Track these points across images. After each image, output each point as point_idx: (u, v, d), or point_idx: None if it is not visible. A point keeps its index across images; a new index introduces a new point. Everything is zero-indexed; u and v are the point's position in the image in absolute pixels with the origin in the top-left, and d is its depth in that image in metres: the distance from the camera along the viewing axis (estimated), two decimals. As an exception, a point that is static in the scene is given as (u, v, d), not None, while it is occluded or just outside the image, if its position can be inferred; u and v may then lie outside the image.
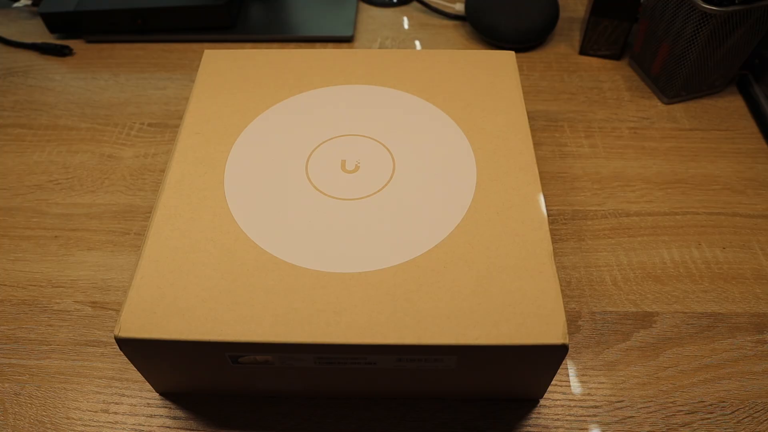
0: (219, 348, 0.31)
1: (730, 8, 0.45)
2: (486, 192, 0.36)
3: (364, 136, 0.39)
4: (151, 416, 0.37)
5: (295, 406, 0.37)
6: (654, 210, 0.46)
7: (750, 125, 0.52)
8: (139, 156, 0.50)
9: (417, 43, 0.60)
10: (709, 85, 0.53)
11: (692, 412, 0.36)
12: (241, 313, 0.31)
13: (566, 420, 0.36)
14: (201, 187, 0.36)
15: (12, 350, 0.39)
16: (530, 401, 0.37)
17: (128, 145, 0.51)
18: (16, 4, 0.65)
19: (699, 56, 0.49)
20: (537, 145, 0.51)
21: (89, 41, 0.61)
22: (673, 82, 0.52)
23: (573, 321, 0.40)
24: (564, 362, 0.38)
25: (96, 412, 0.37)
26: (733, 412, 0.36)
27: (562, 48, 0.59)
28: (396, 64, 0.44)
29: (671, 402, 0.37)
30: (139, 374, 0.38)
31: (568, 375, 0.38)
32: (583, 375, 0.38)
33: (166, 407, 0.37)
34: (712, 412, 0.36)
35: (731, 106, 0.54)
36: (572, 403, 0.37)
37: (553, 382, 0.37)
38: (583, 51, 0.58)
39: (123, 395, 0.37)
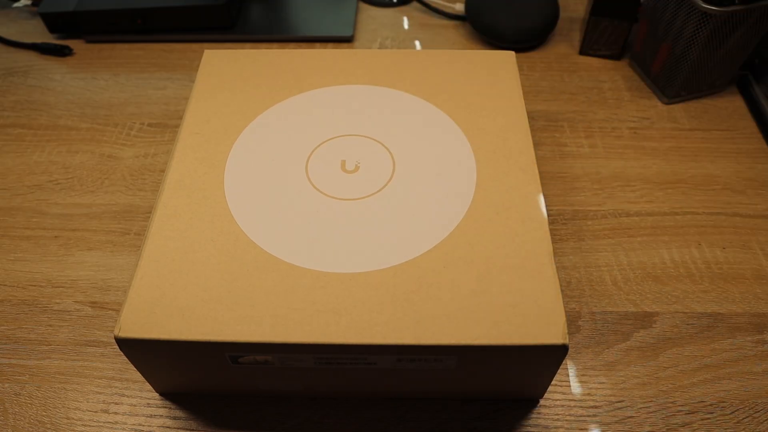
0: (219, 348, 0.31)
1: (730, 8, 0.45)
2: (486, 192, 0.36)
3: (364, 136, 0.39)
4: (151, 416, 0.37)
5: (295, 406, 0.37)
6: (654, 210, 0.46)
7: (750, 125, 0.52)
8: (139, 156, 0.50)
9: (417, 43, 0.60)
10: (709, 85, 0.53)
11: (692, 412, 0.36)
12: (241, 313, 0.31)
13: (566, 420, 0.36)
14: (201, 187, 0.36)
15: (12, 350, 0.39)
16: (530, 401, 0.37)
17: (128, 145, 0.51)
18: (16, 4, 0.65)
19: (699, 56, 0.49)
20: (537, 145, 0.51)
21: (89, 41, 0.61)
22: (673, 82, 0.52)
23: (573, 321, 0.40)
24: (564, 362, 0.38)
25: (96, 412, 0.37)
26: (733, 412, 0.36)
27: (562, 48, 0.59)
28: (396, 64, 0.44)
29: (671, 402, 0.37)
30: (139, 374, 0.38)
31: (568, 375, 0.38)
32: (583, 375, 0.38)
33: (166, 407, 0.37)
34: (712, 412, 0.36)
35: (731, 106, 0.54)
36: (572, 403, 0.37)
37: (553, 382, 0.37)
38: (583, 51, 0.58)
39: (123, 395, 0.37)
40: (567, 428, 0.36)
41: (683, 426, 0.36)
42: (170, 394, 0.37)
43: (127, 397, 0.37)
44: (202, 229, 0.34)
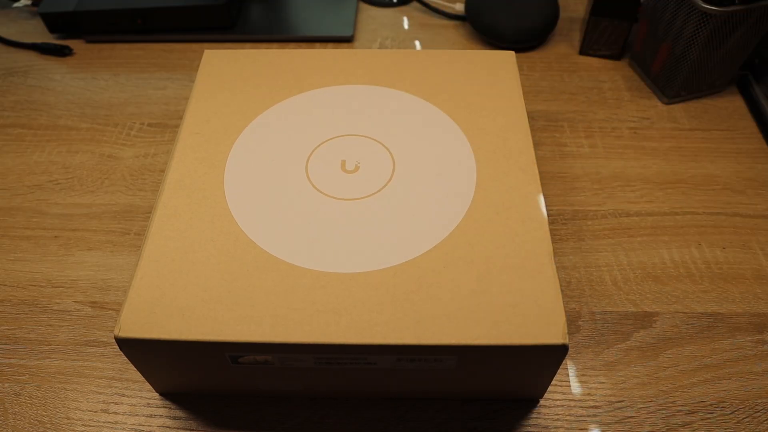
0: (219, 348, 0.31)
1: (730, 8, 0.45)
2: (486, 192, 0.36)
3: (364, 136, 0.39)
4: (151, 416, 0.37)
5: (295, 406, 0.37)
6: (654, 210, 0.46)
7: (750, 125, 0.52)
8: (139, 156, 0.50)
9: (417, 43, 0.60)
10: (709, 85, 0.53)
11: (692, 412, 0.36)
12: (241, 313, 0.31)
13: (566, 420, 0.36)
14: (201, 187, 0.36)
15: (12, 350, 0.39)
16: (530, 401, 0.37)
17: (128, 145, 0.51)
18: (16, 4, 0.65)
19: (699, 56, 0.49)
20: (537, 145, 0.51)
21: (89, 41, 0.61)
22: (673, 82, 0.52)
23: (573, 321, 0.40)
24: (564, 362, 0.38)
25: (96, 412, 0.37)
26: (733, 412, 0.36)
27: (562, 48, 0.59)
28: (396, 64, 0.44)
29: (671, 402, 0.37)
30: (139, 374, 0.38)
31: (568, 375, 0.38)
32: (583, 375, 0.38)
33: (166, 407, 0.37)
34: (712, 412, 0.36)
35: (731, 106, 0.54)
36: (572, 403, 0.37)
37: (553, 382, 0.37)
38: (583, 51, 0.58)
39: (123, 395, 0.37)
40: (567, 428, 0.36)
41: (683, 426, 0.36)
42: (170, 394, 0.37)
43: (127, 397, 0.37)
44: (202, 229, 0.34)
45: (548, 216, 0.46)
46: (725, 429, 0.36)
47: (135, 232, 0.45)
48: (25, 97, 0.56)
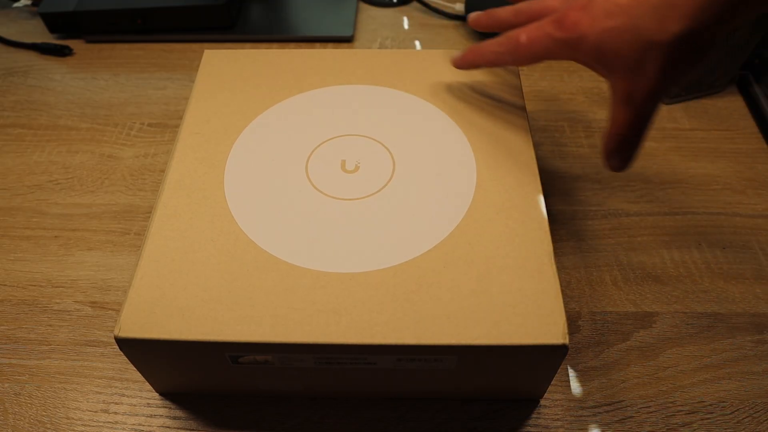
0: (219, 348, 0.31)
1: (730, 8, 0.45)
2: (486, 192, 0.36)
3: (364, 136, 0.39)
4: (151, 416, 0.37)
5: (295, 406, 0.37)
6: (654, 210, 0.46)
7: (750, 125, 0.52)
8: (139, 156, 0.50)
9: (417, 43, 0.60)
10: (709, 85, 0.53)
11: (692, 412, 0.36)
12: (241, 313, 0.31)
13: (566, 420, 0.36)
14: (201, 187, 0.36)
15: (12, 350, 0.39)
16: (530, 401, 0.37)
17: (128, 145, 0.51)
18: (16, 4, 0.65)
19: (699, 56, 0.49)
20: (537, 145, 0.51)
21: (89, 41, 0.61)
22: (673, 82, 0.52)
23: (573, 321, 0.40)
24: (564, 362, 0.38)
25: (96, 412, 0.37)
26: (733, 412, 0.36)
27: (562, 48, 0.59)
28: (396, 64, 0.44)
29: (671, 402, 0.37)
30: (139, 374, 0.38)
31: (568, 375, 0.38)
32: (583, 375, 0.38)
33: (166, 407, 0.37)
34: (712, 412, 0.36)
35: (731, 106, 0.54)
36: (572, 403, 0.37)
37: (553, 382, 0.37)
38: (583, 51, 0.58)
39: (123, 395, 0.37)
40: (567, 428, 0.36)
41: (683, 426, 0.36)
42: (170, 394, 0.37)
43: (127, 397, 0.37)
44: (202, 229, 0.34)
45: (548, 216, 0.46)
46: (725, 429, 0.36)
47: (135, 232, 0.45)
48: (25, 97, 0.56)
